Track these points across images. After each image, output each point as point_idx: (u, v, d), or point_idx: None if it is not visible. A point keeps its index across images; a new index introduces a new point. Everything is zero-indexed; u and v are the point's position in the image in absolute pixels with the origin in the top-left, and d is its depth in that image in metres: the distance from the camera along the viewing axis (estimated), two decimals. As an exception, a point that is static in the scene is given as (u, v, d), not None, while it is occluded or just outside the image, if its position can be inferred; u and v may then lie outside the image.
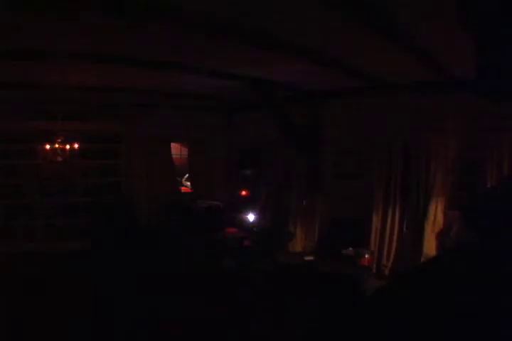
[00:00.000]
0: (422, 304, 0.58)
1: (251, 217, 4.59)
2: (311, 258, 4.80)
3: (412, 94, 4.82)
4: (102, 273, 5.23)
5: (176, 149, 8.04)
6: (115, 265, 5.54)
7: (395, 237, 5.05)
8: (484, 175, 4.41)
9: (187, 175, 8.24)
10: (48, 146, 5.26)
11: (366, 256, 4.83)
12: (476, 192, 4.41)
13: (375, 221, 5.23)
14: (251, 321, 3.87)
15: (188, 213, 5.41)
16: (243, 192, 6.12)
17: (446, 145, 4.64)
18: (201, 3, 2.46)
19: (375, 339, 0.52)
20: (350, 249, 5.34)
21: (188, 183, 8.15)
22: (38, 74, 4.33)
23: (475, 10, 1.21)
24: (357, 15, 2.51)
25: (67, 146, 5.32)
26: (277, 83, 5.06)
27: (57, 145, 5.21)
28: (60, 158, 5.33)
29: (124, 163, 6.86)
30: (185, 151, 8.01)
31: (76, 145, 5.54)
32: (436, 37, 2.93)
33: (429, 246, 4.70)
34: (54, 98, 5.61)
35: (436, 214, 4.70)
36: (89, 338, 3.55)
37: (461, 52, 2.38)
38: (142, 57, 3.85)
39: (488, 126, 4.19)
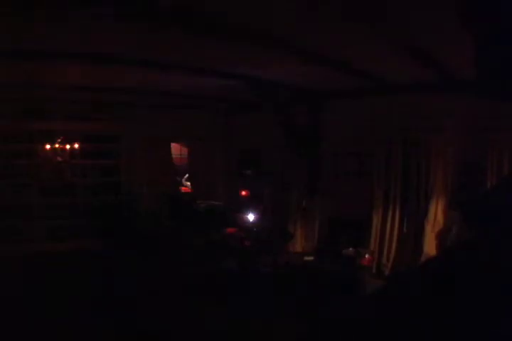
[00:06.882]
0: (422, 304, 0.58)
1: (251, 217, 4.59)
2: (311, 258, 4.80)
3: (412, 94, 4.83)
4: (101, 273, 5.23)
5: (176, 149, 8.04)
6: (115, 265, 5.54)
7: (395, 237, 5.05)
8: (484, 175, 4.41)
9: (187, 175, 8.24)
10: (48, 146, 5.27)
11: (366, 256, 4.84)
12: (476, 192, 4.41)
13: (375, 221, 5.23)
14: (251, 321, 3.87)
15: (188, 213, 5.40)
16: (243, 192, 6.12)
17: (446, 145, 4.64)
18: (202, 4, 2.47)
19: (375, 339, 0.52)
20: (350, 249, 5.34)
21: (188, 183, 8.15)
22: (38, 74, 4.33)
23: (475, 8, 1.21)
24: (357, 15, 2.51)
25: (67, 146, 5.33)
26: (277, 83, 5.06)
27: (57, 145, 5.23)
28: (60, 158, 5.34)
29: (124, 163, 6.86)
30: (185, 151, 8.02)
31: (76, 145, 5.55)
32: (436, 37, 2.93)
33: (429, 246, 4.70)
34: (54, 98, 5.61)
35: (436, 214, 4.70)
36: (88, 338, 3.55)
37: (461, 52, 2.38)
38: (142, 57, 3.85)
39: (488, 126, 4.19)
